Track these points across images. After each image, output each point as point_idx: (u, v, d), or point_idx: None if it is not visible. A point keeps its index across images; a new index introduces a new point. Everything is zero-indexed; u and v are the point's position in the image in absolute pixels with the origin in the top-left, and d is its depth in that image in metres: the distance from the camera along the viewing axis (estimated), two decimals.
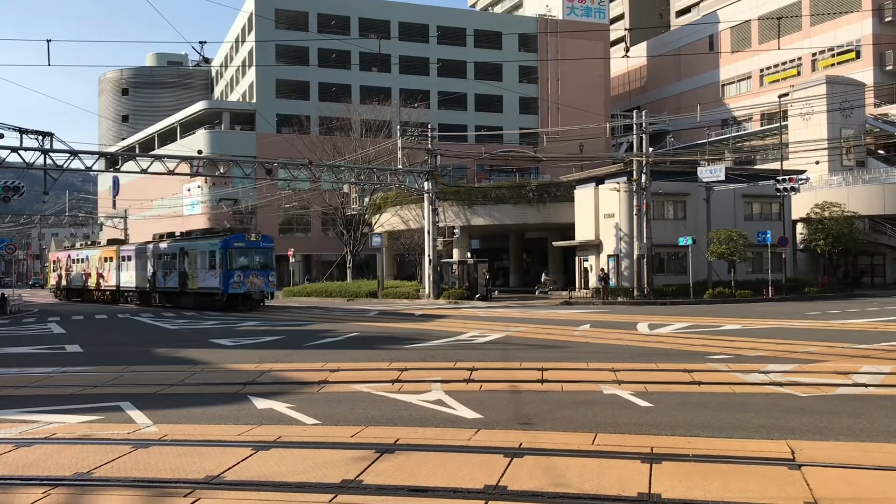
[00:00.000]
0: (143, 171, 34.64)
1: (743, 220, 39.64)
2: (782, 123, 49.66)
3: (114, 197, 79.94)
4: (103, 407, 9.77)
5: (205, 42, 24.69)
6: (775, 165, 42.69)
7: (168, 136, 72.72)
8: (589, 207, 39.82)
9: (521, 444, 7.14)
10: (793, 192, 38.54)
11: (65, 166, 31.11)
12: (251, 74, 68.23)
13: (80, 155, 31.50)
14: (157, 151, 65.11)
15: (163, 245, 39.55)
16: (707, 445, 7.10)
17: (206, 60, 26.23)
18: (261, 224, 65.22)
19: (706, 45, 71.35)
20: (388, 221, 48.20)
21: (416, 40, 68.99)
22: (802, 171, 40.83)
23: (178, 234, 41.22)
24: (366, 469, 6.28)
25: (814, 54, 62.17)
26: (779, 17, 47.38)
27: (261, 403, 9.86)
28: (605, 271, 37.48)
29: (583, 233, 40.18)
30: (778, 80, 64.10)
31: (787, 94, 48.00)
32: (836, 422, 8.29)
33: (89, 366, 14.57)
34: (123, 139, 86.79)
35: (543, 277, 44.28)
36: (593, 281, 38.04)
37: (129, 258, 42.88)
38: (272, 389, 11.01)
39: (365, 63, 66.25)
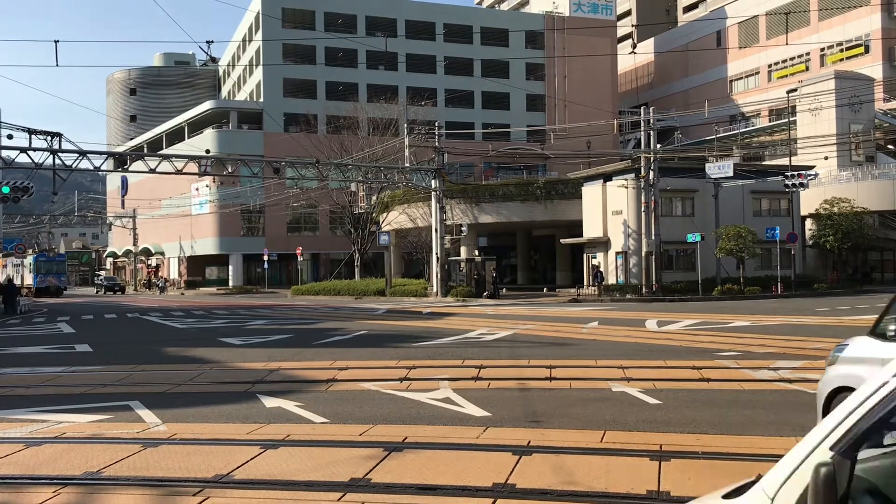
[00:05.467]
0: (152, 171, 34.74)
1: (751, 217, 39.50)
2: (791, 119, 49.43)
3: (122, 196, 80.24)
4: (113, 406, 9.80)
5: (212, 41, 24.69)
6: (784, 161, 42.52)
7: (176, 136, 72.91)
8: (597, 204, 39.74)
9: (529, 441, 7.12)
10: (801, 188, 38.39)
11: (73, 166, 31.27)
12: (258, 73, 68.31)
13: (88, 155, 31.64)
14: (165, 151, 65.34)
15: (17, 259, 62.58)
16: (716, 443, 7.07)
17: (214, 60, 26.21)
18: (269, 223, 65.46)
19: (714, 40, 71.07)
20: (395, 220, 48.21)
21: (422, 38, 68.97)
22: (811, 167, 40.64)
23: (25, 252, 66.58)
24: (374, 467, 6.28)
25: (822, 49, 61.84)
26: (787, 11, 47.12)
27: (269, 402, 9.87)
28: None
29: (591, 230, 40.10)
30: (786, 76, 63.80)
31: (795, 90, 47.75)
32: None
33: (99, 365, 14.63)
34: (131, 139, 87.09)
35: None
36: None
37: (6, 266, 67.00)
38: (281, 388, 11.03)
39: (372, 61, 66.17)
